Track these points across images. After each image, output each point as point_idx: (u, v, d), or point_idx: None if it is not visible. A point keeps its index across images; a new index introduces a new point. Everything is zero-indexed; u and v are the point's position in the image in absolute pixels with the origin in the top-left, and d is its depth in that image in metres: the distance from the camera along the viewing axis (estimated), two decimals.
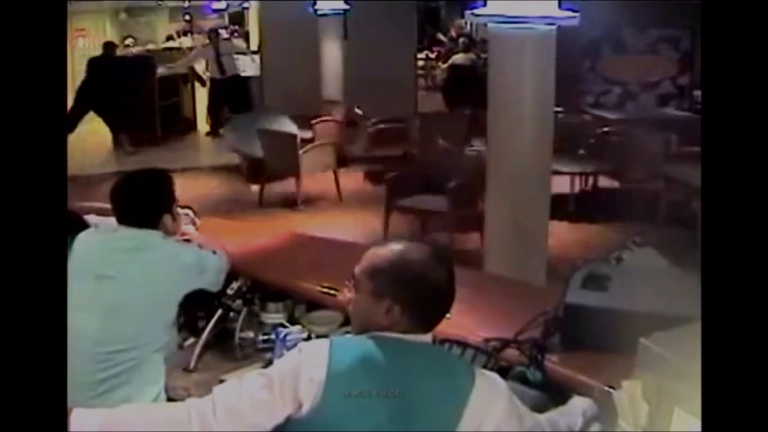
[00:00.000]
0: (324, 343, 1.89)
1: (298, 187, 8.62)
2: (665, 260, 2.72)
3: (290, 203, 8.66)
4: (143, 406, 2.38)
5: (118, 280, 2.66)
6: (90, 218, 3.12)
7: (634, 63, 11.23)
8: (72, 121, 11.15)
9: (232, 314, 3.02)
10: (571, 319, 2.36)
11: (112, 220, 2.85)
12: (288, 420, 1.82)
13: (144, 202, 2.79)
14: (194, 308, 3.19)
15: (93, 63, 11.39)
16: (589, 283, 2.46)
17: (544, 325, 2.40)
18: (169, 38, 16.39)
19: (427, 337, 1.90)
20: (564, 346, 2.35)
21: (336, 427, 1.77)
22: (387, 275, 1.88)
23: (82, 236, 2.79)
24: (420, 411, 1.78)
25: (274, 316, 3.03)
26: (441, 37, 19.13)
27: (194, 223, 3.28)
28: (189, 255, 2.84)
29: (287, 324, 2.96)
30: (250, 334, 2.98)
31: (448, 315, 2.19)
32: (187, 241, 3.07)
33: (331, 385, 1.78)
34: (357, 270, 1.94)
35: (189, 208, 3.26)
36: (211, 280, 2.89)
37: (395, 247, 1.92)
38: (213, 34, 12.53)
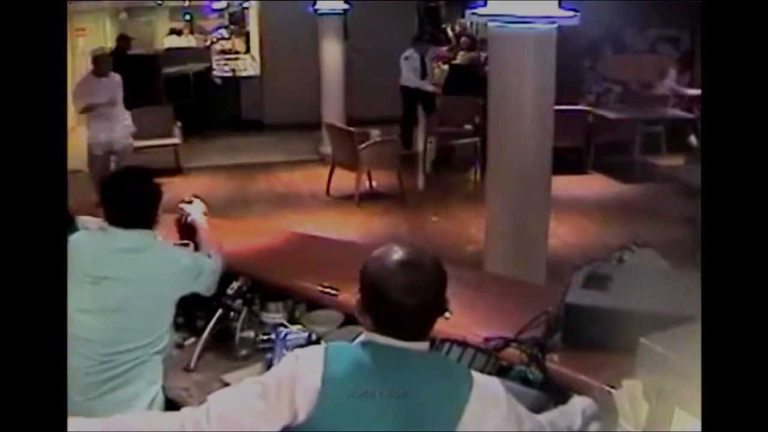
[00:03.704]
0: (319, 350, 1.88)
1: (358, 182, 8.70)
2: (665, 261, 2.71)
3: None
4: (139, 416, 2.37)
5: (118, 282, 2.66)
6: (82, 220, 3.11)
7: (635, 62, 11.22)
8: None
9: (232, 314, 3.02)
10: (572, 318, 2.36)
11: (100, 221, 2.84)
12: (284, 430, 1.80)
13: (136, 201, 2.76)
14: (193, 308, 3.19)
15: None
16: (591, 282, 2.46)
17: (546, 325, 2.40)
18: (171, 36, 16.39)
19: (423, 344, 1.88)
20: (564, 346, 2.35)
21: (332, 429, 1.77)
22: (361, 279, 1.86)
23: (75, 238, 2.78)
24: (415, 418, 1.77)
25: (274, 315, 3.03)
26: (442, 35, 19.10)
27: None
28: (185, 257, 2.84)
29: (287, 324, 2.96)
30: (251, 334, 2.98)
31: (447, 314, 2.19)
32: (192, 233, 3.07)
33: (327, 392, 1.77)
34: None
35: (197, 197, 3.24)
36: (206, 283, 2.87)
37: (375, 252, 1.88)
38: (420, 41, 11.27)
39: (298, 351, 1.93)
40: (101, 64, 7.90)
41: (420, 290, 1.80)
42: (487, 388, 1.84)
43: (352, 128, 9.17)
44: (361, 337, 1.90)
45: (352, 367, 1.81)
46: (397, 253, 1.84)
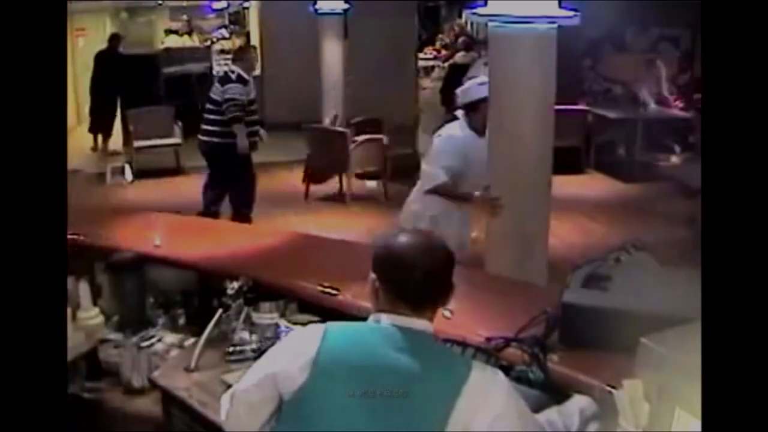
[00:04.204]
0: (320, 326, 1.96)
1: (349, 184, 8.73)
2: (660, 266, 2.70)
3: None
4: None
5: None
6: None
7: (635, 62, 11.21)
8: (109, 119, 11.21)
9: (231, 314, 3.02)
10: (568, 317, 2.36)
11: None
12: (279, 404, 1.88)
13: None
14: (175, 306, 3.19)
15: (99, 57, 11.43)
16: (590, 282, 2.46)
17: (545, 324, 2.40)
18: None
19: (425, 325, 1.90)
20: (561, 345, 2.34)
21: (324, 405, 1.80)
22: (377, 255, 1.96)
23: None
24: (407, 398, 1.77)
25: (267, 315, 3.02)
26: (441, 36, 19.13)
27: None
28: None
29: (280, 323, 2.95)
30: (251, 335, 2.98)
31: (448, 315, 2.19)
32: None
33: (320, 364, 1.82)
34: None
35: None
36: None
37: (393, 232, 2.01)
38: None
39: (300, 328, 1.99)
40: None
41: (430, 253, 1.91)
42: (487, 375, 1.84)
43: (342, 129, 9.15)
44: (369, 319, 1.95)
45: (349, 343, 1.87)
46: (409, 230, 2.04)
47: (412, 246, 1.92)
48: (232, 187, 7.26)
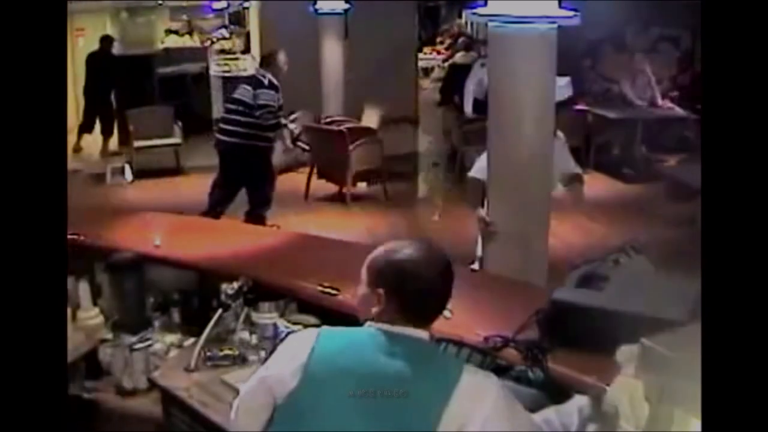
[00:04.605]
0: (314, 331, 1.97)
1: (349, 184, 8.73)
2: (655, 270, 2.70)
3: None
4: None
5: None
6: None
7: (635, 62, 11.20)
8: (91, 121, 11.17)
9: (231, 314, 3.01)
10: (557, 315, 2.36)
11: None
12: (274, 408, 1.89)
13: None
14: (169, 305, 3.18)
15: (91, 59, 11.40)
16: (586, 282, 2.46)
17: (537, 323, 2.40)
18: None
19: (420, 333, 1.89)
20: (552, 344, 2.34)
21: (314, 410, 1.80)
22: (380, 267, 1.93)
23: None
24: (399, 402, 1.77)
25: (267, 315, 3.02)
26: (441, 36, 19.13)
27: None
28: None
29: (280, 323, 2.95)
30: (251, 335, 2.98)
31: (447, 314, 2.20)
32: None
33: (311, 368, 1.83)
34: (363, 266, 1.99)
35: None
36: None
37: (393, 244, 1.97)
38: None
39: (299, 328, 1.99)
40: None
41: (435, 265, 1.91)
42: (478, 379, 1.83)
43: (342, 128, 9.16)
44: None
45: (340, 348, 1.87)
46: (414, 240, 1.99)
47: (419, 260, 1.91)
48: (251, 187, 7.14)
